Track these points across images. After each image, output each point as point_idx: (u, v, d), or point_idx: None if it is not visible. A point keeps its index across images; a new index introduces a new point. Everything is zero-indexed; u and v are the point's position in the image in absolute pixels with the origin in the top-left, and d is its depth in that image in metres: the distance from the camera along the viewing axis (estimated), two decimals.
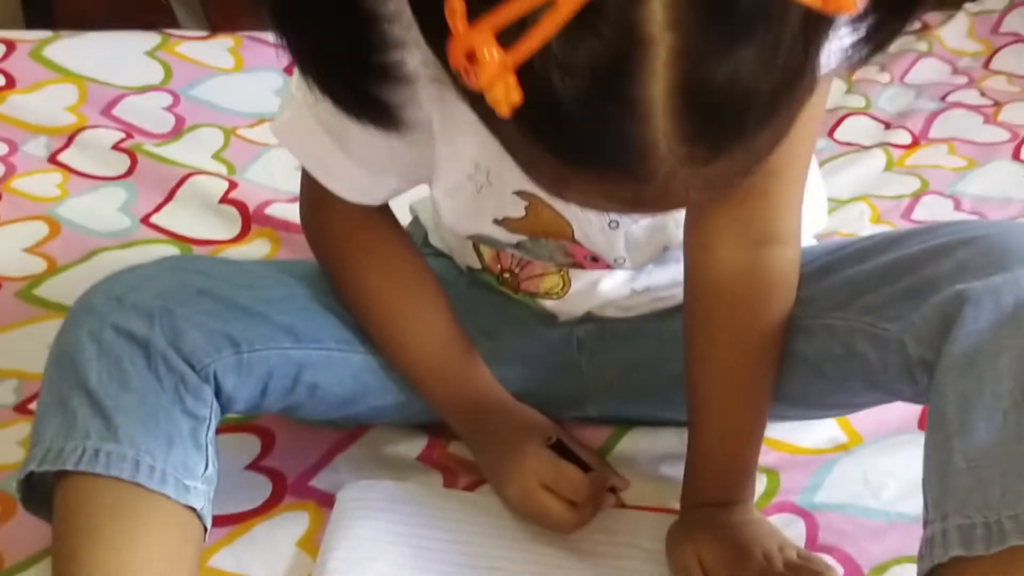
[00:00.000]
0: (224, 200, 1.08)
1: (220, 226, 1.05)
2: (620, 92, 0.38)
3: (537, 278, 0.78)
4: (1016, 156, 1.25)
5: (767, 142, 0.42)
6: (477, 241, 0.77)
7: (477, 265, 0.80)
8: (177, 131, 1.20)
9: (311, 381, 0.72)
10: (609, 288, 0.77)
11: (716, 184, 0.43)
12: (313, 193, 0.72)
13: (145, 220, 1.06)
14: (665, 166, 0.40)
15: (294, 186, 1.10)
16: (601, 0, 0.37)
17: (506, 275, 0.79)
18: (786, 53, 0.39)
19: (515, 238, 0.73)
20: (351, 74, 0.46)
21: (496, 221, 0.71)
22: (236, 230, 1.05)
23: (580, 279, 0.77)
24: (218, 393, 0.68)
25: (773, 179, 0.65)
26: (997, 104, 1.38)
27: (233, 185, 1.10)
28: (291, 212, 1.07)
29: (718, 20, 0.38)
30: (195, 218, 1.06)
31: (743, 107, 0.39)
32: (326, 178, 0.70)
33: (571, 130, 0.39)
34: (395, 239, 0.75)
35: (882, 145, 1.26)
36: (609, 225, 0.71)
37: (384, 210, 0.75)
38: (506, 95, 0.38)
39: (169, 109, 1.22)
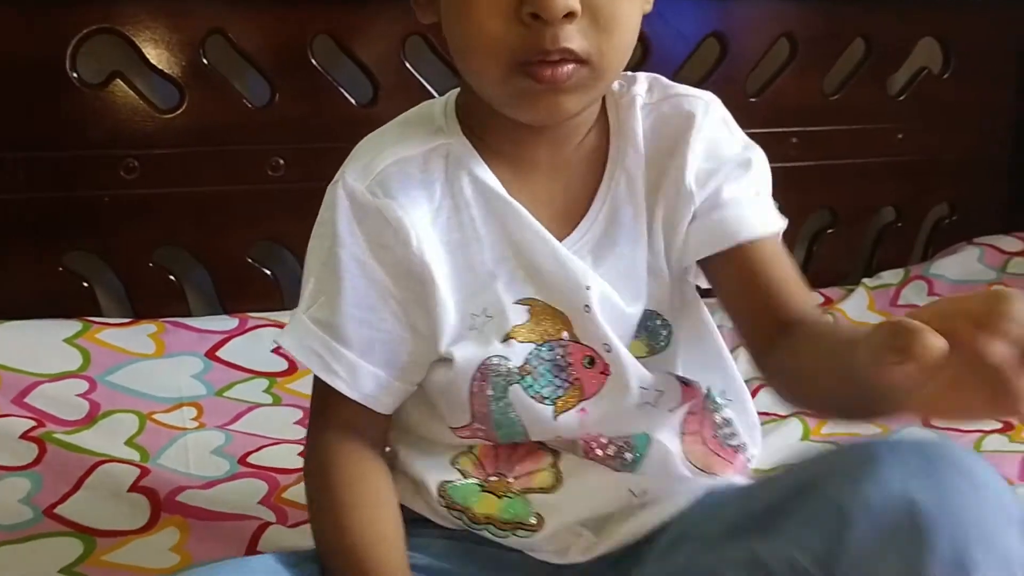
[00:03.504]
0: (133, 488, 1.05)
1: (128, 515, 1.01)
2: None
3: (527, 476, 0.77)
4: (926, 423, 1.28)
5: None
6: (484, 381, 0.75)
7: (454, 476, 0.78)
8: (91, 417, 1.18)
9: None
10: (603, 486, 0.77)
11: None
12: (320, 423, 0.77)
13: (49, 511, 1.02)
14: None
15: (208, 471, 1.10)
16: None
17: (493, 479, 0.78)
18: None
19: (523, 354, 0.74)
20: None
21: (504, 338, 0.75)
22: (144, 519, 1.01)
23: (573, 474, 0.77)
24: None
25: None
26: None
27: (144, 472, 1.07)
28: (203, 499, 1.04)
29: None
30: (102, 507, 1.02)
31: None
32: (325, 372, 0.75)
33: None
34: (387, 493, 0.76)
35: (798, 414, 1.29)
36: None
37: (383, 467, 0.77)
38: None
39: (84, 395, 1.21)
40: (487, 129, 0.75)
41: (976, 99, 1.81)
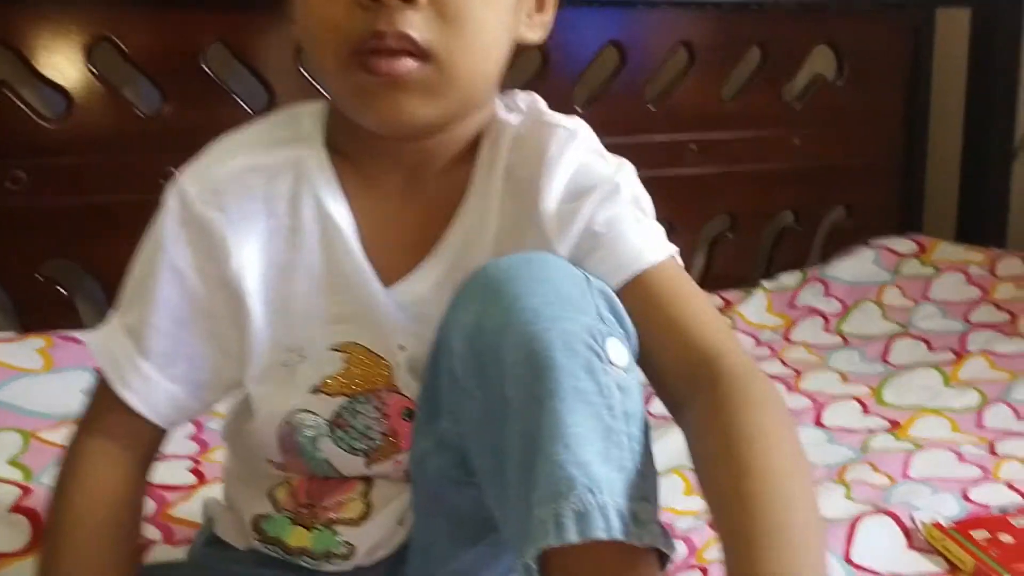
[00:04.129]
0: (15, 509, 1.01)
1: (7, 537, 0.98)
2: None
3: (336, 506, 0.75)
4: (817, 422, 1.31)
5: None
6: (292, 430, 0.73)
7: (267, 509, 0.76)
8: None
9: None
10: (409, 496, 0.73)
11: None
12: (91, 425, 0.73)
13: None
14: None
15: None
16: None
17: (303, 510, 0.75)
18: None
19: (334, 406, 0.71)
20: None
21: (314, 389, 0.71)
22: (24, 541, 0.98)
23: (384, 501, 0.74)
24: None
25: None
26: (798, 373, 1.46)
27: (27, 492, 1.04)
28: None
29: None
30: None
31: None
32: (119, 383, 0.71)
33: None
34: (127, 519, 0.73)
35: None
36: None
37: (141, 487, 0.75)
38: None
39: None
40: (348, 143, 0.70)
41: (870, 105, 1.86)
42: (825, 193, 1.88)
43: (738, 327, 1.61)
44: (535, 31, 0.71)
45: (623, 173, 0.70)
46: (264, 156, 0.70)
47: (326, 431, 0.72)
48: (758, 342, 1.58)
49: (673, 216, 1.73)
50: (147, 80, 1.40)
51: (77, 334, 1.34)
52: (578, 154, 0.69)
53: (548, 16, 0.72)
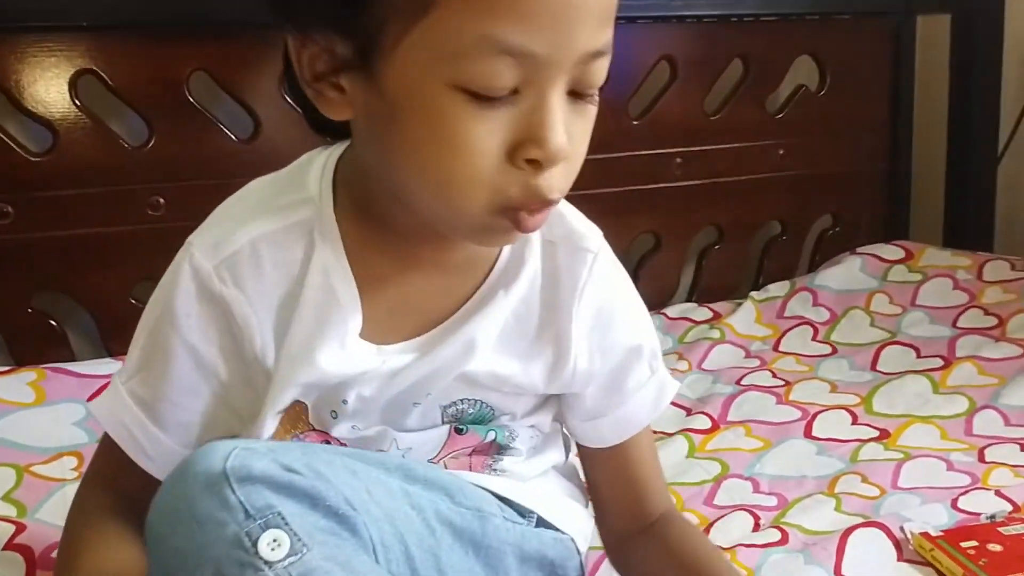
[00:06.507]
0: (8, 546, 1.02)
1: None
2: None
3: None
4: (807, 434, 1.32)
5: None
6: None
7: None
8: None
9: None
10: None
11: None
12: (99, 481, 0.76)
13: None
14: None
15: None
16: None
17: None
18: None
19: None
20: None
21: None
22: None
23: None
24: None
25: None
26: (788, 384, 1.47)
27: (20, 528, 1.04)
28: None
29: None
30: None
31: None
32: (135, 452, 0.73)
33: None
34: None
35: (684, 432, 1.32)
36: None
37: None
38: None
39: None
40: (373, 217, 0.69)
41: (853, 113, 1.87)
42: (811, 202, 1.89)
43: (727, 339, 1.61)
44: None
45: (637, 318, 0.78)
46: (274, 222, 0.68)
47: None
48: (748, 353, 1.59)
49: (660, 229, 1.75)
50: (133, 112, 1.40)
51: (69, 366, 1.34)
52: (600, 283, 0.74)
53: None
